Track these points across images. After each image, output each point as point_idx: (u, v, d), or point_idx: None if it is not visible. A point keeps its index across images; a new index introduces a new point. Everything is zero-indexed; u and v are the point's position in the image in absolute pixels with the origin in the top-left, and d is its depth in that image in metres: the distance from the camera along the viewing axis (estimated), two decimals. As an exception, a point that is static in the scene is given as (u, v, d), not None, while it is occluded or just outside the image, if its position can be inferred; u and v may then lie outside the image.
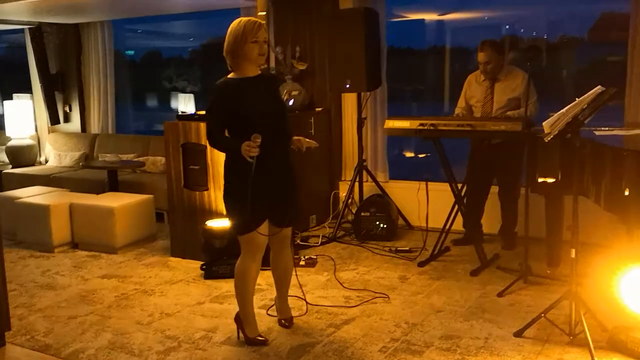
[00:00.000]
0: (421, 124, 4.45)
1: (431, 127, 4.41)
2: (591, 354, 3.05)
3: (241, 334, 3.40)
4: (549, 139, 3.22)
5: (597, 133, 3.75)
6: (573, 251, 3.24)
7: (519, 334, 3.39)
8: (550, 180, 3.83)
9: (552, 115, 3.29)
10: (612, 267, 3.39)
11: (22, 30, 7.97)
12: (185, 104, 8.41)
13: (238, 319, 3.41)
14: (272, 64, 6.00)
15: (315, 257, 4.86)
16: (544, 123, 3.29)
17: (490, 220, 5.11)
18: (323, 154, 6.03)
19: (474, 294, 4.05)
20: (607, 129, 3.87)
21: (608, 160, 3.32)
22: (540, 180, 3.93)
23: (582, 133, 3.41)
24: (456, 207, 4.67)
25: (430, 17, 7.18)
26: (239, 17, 3.20)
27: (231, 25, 3.18)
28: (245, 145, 3.04)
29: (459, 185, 4.70)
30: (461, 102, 5.02)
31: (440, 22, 7.13)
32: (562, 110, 3.23)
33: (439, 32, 7.28)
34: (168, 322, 3.71)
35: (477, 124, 4.32)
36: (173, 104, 9.94)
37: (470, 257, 4.71)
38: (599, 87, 3.12)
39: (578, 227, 3.23)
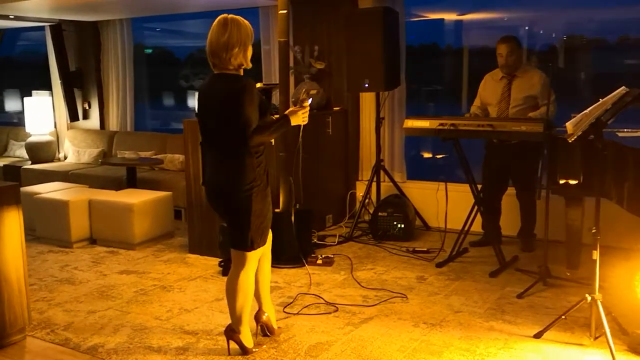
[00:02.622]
0: (441, 124, 4.44)
1: (451, 127, 4.39)
2: (612, 357, 3.02)
3: (232, 347, 3.23)
4: (573, 139, 3.20)
5: (620, 135, 3.71)
6: (595, 253, 3.21)
7: (539, 335, 3.36)
8: (572, 181, 3.80)
9: (575, 116, 3.27)
10: (633, 269, 3.36)
11: (42, 28, 8.06)
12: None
13: (231, 331, 3.23)
14: (291, 63, 6.00)
15: (332, 256, 4.86)
16: (567, 124, 3.27)
17: (510, 223, 5.08)
18: (340, 153, 6.03)
19: (493, 295, 4.03)
20: (630, 130, 3.83)
21: (631, 162, 3.29)
22: (561, 181, 3.89)
23: (605, 134, 3.38)
24: (475, 208, 4.65)
25: (449, 17, 7.15)
26: (252, 18, 3.15)
27: (232, 21, 3.00)
28: (297, 110, 3.09)
29: (479, 187, 4.68)
30: (476, 102, 5.02)
31: (459, 22, 7.10)
32: (585, 111, 3.21)
33: (457, 32, 7.26)
34: (187, 318, 3.73)
35: (497, 124, 4.30)
36: (190, 103, 9.98)
37: (489, 258, 4.69)
38: (622, 88, 3.10)
39: (600, 229, 3.21)
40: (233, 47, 2.98)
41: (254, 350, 3.24)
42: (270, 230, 3.29)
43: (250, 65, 3.12)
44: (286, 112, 3.15)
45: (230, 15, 3.05)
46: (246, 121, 2.95)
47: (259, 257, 3.23)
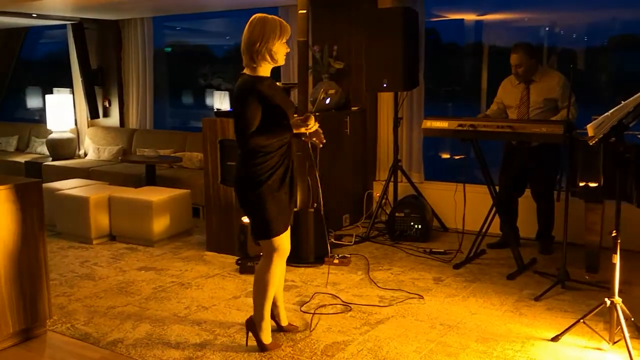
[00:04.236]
0: (460, 125, 4.42)
1: (470, 128, 4.37)
2: (632, 362, 3.00)
3: (250, 340, 3.30)
4: (594, 142, 3.17)
5: (641, 137, 3.68)
6: (615, 257, 3.18)
7: (556, 339, 3.34)
8: (593, 184, 3.77)
9: (597, 119, 3.24)
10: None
11: (64, 26, 8.16)
12: (220, 101, 8.49)
13: (252, 324, 3.28)
14: (310, 62, 6.01)
15: (348, 255, 4.86)
16: (588, 126, 3.24)
17: (528, 225, 5.05)
18: (358, 153, 6.03)
19: (511, 297, 4.01)
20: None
21: (653, 165, 3.26)
22: (581, 184, 3.87)
23: (627, 137, 3.36)
24: (494, 209, 4.63)
25: (469, 17, 7.12)
26: (276, 16, 3.14)
27: (258, 19, 3.06)
28: (299, 121, 3.07)
29: (497, 188, 4.66)
30: (493, 105, 5.00)
31: (479, 23, 7.07)
32: (606, 114, 3.18)
33: (477, 33, 7.22)
34: (204, 315, 3.76)
35: (517, 126, 4.27)
36: (208, 101, 10.04)
37: (507, 260, 4.66)
38: (645, 90, 3.07)
39: (620, 233, 3.18)
40: (255, 42, 3.03)
41: (271, 347, 3.25)
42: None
43: (279, 62, 3.14)
44: (292, 121, 3.14)
45: (260, 14, 3.09)
46: (243, 122, 3.02)
47: (289, 246, 3.26)
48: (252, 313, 3.30)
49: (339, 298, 4.00)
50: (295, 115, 3.31)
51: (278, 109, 3.08)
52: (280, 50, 3.10)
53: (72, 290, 4.25)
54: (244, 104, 3.02)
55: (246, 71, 3.13)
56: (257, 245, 3.33)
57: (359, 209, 6.08)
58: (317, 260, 4.72)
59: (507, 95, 4.89)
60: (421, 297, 4.03)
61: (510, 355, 3.19)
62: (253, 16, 3.10)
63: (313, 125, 3.14)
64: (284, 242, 3.20)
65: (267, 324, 3.27)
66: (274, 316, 3.46)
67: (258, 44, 3.02)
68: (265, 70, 3.13)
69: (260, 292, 3.22)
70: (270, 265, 3.19)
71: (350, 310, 3.81)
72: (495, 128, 4.34)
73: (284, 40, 3.10)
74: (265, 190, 3.08)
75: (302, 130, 3.12)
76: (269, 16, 3.10)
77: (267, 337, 3.26)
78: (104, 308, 3.90)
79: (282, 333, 3.45)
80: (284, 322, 3.49)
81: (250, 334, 3.29)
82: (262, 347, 3.24)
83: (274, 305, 3.43)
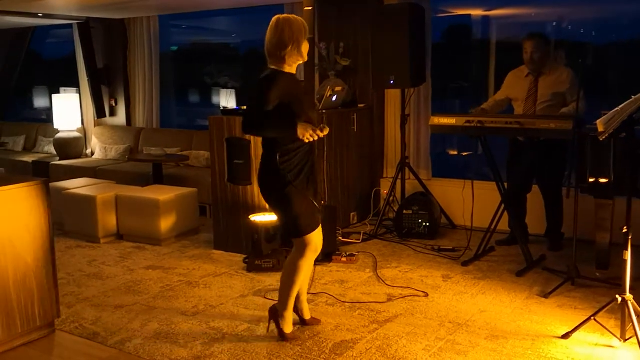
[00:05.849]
0: (468, 121, 4.39)
1: (478, 125, 4.34)
2: (644, 360, 2.97)
3: (271, 327, 3.38)
4: (604, 137, 3.14)
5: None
6: (626, 253, 3.15)
7: (567, 336, 3.31)
8: (603, 180, 3.74)
9: (607, 114, 3.21)
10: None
11: (70, 26, 8.17)
12: (226, 99, 8.48)
13: (275, 312, 3.36)
14: (316, 60, 5.99)
15: (356, 253, 4.84)
16: (598, 121, 3.21)
17: (537, 222, 5.02)
18: (365, 151, 6.01)
19: (520, 295, 3.98)
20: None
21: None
22: (591, 180, 3.83)
23: (638, 132, 3.32)
24: (502, 206, 4.60)
25: (476, 12, 7.07)
26: (282, 14, 3.18)
27: (284, 21, 3.10)
28: (309, 128, 3.06)
29: (505, 185, 4.63)
30: (496, 95, 4.95)
31: (486, 18, 7.01)
32: (617, 109, 3.15)
33: (484, 28, 7.17)
34: (212, 314, 3.75)
35: (526, 122, 4.24)
36: (214, 100, 10.03)
37: (516, 257, 4.63)
38: (656, 85, 3.03)
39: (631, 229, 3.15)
40: (286, 45, 3.09)
41: (291, 337, 3.30)
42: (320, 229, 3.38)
43: (306, 59, 3.22)
44: (300, 123, 3.11)
45: (283, 15, 3.15)
46: (251, 107, 3.10)
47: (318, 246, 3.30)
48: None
49: (346, 296, 3.98)
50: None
51: (293, 106, 3.11)
52: (306, 47, 3.18)
53: (80, 289, 4.25)
54: (259, 90, 3.07)
55: (272, 67, 3.17)
56: (287, 243, 3.37)
57: (367, 207, 6.06)
58: (325, 257, 4.70)
59: (514, 88, 4.85)
60: (428, 295, 4.00)
61: (521, 353, 3.16)
62: (276, 18, 3.15)
63: (316, 135, 3.11)
64: (316, 238, 3.24)
65: (290, 314, 3.34)
66: (297, 310, 3.51)
67: (290, 47, 3.10)
68: (292, 68, 3.20)
69: (287, 283, 3.28)
70: (301, 259, 3.24)
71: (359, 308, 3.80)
72: (503, 124, 4.31)
73: (308, 38, 3.19)
74: (292, 189, 3.14)
75: (306, 138, 3.08)
76: (291, 16, 3.17)
77: (288, 327, 3.33)
78: (112, 307, 3.90)
79: (304, 324, 3.49)
80: (307, 316, 3.54)
81: (272, 322, 3.36)
82: (282, 336, 3.31)
83: (298, 299, 3.47)
